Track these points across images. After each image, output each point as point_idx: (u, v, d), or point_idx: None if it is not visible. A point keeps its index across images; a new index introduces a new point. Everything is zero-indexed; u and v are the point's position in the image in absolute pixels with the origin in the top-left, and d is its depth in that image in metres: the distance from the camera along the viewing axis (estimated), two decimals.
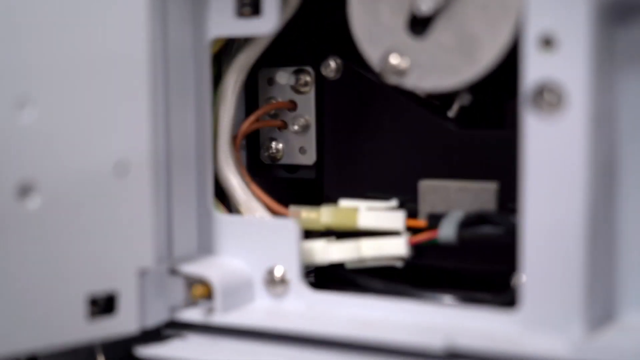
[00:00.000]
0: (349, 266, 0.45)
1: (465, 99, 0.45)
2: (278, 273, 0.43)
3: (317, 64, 0.48)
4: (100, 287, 0.39)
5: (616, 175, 0.38)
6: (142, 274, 0.40)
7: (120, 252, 0.39)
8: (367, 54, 0.42)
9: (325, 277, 0.47)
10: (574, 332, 0.35)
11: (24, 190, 0.36)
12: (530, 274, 0.36)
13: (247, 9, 0.43)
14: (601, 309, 0.37)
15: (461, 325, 0.38)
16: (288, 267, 0.43)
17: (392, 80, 0.41)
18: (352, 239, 0.44)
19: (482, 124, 0.45)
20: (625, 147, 0.37)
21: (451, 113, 0.45)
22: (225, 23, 0.44)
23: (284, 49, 0.49)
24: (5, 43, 0.36)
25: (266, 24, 0.43)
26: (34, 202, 0.37)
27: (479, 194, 0.43)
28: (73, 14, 0.38)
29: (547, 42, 0.35)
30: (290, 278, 0.43)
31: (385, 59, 0.41)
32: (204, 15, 0.44)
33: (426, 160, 0.47)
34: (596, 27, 0.35)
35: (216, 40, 0.45)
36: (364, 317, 0.41)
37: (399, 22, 0.41)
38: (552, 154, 0.36)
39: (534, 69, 0.36)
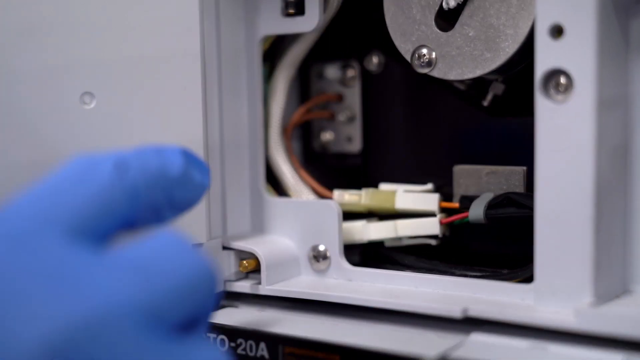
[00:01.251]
0: (387, 244, 0.49)
1: (498, 89, 0.48)
2: (321, 250, 0.47)
3: (361, 58, 0.52)
4: None
5: (631, 156, 0.40)
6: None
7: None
8: (400, 46, 0.45)
9: (370, 255, 0.50)
10: (583, 302, 0.38)
11: None
12: (542, 248, 0.39)
13: (292, 9, 0.47)
14: (613, 281, 0.39)
15: (480, 296, 0.42)
16: (330, 245, 0.47)
17: (421, 70, 0.44)
18: (392, 219, 0.48)
19: (514, 113, 0.48)
20: (638, 129, 0.40)
21: (485, 102, 0.48)
22: (273, 22, 0.48)
23: (331, 45, 0.53)
24: (72, 44, 0.41)
25: (309, 22, 0.47)
26: None
27: (508, 178, 0.46)
28: (130, 15, 0.43)
29: (557, 32, 0.38)
30: (332, 255, 0.47)
31: (415, 51, 0.45)
32: (254, 15, 0.49)
33: (462, 147, 0.50)
34: (602, 17, 0.37)
35: (266, 38, 0.49)
36: (395, 289, 0.44)
37: (428, 17, 0.44)
38: (562, 136, 0.38)
39: (545, 57, 0.38)
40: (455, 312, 0.40)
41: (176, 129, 0.44)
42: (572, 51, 0.38)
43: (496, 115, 0.48)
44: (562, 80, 0.38)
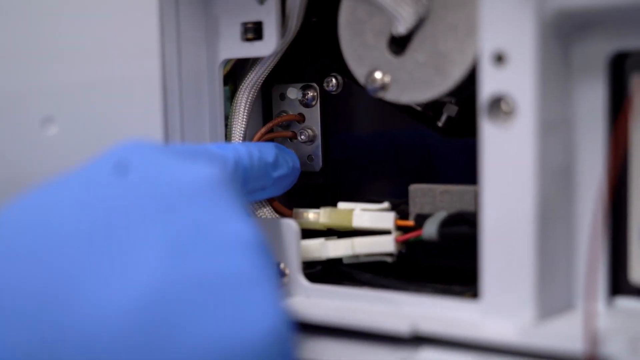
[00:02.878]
0: (346, 261, 0.50)
1: (452, 111, 0.49)
2: (280, 267, 0.49)
3: (321, 80, 0.53)
4: None
5: (574, 176, 0.41)
6: None
7: None
8: (354, 71, 0.47)
9: (329, 271, 0.52)
10: (526, 318, 0.39)
11: None
12: (487, 265, 0.41)
13: (251, 34, 0.49)
14: (557, 297, 0.41)
15: (432, 312, 0.43)
16: (289, 262, 0.48)
17: (376, 94, 0.46)
18: (350, 237, 0.49)
19: (467, 133, 0.49)
20: (583, 151, 0.41)
21: (440, 123, 0.50)
22: (233, 46, 0.50)
23: (292, 68, 0.54)
24: (31, 70, 0.42)
25: (267, 47, 0.49)
26: None
27: (461, 197, 0.48)
28: (91, 39, 0.44)
29: (499, 58, 0.40)
30: (291, 272, 0.48)
31: (370, 75, 0.46)
32: (215, 40, 0.50)
33: (417, 166, 0.51)
34: (543, 43, 0.39)
35: (227, 61, 0.51)
36: (350, 306, 0.45)
37: (381, 43, 0.46)
38: (505, 158, 0.40)
39: (489, 82, 0.40)
40: (404, 329, 0.41)
41: None
42: (514, 77, 0.39)
43: (450, 136, 0.50)
44: (505, 105, 0.40)
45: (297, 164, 0.52)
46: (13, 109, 0.43)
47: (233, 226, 0.35)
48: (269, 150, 0.49)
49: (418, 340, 0.41)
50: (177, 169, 0.37)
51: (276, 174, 0.49)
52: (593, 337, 0.36)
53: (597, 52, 0.40)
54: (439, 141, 0.50)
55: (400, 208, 0.50)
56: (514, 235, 0.40)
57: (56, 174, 0.40)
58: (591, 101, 0.41)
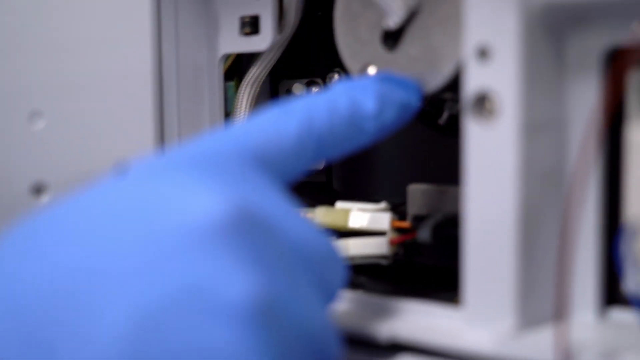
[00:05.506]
0: None
1: (453, 109, 0.47)
2: None
3: (324, 76, 0.52)
4: None
5: (566, 180, 0.39)
6: None
7: None
8: (349, 66, 0.45)
9: None
10: (506, 328, 0.37)
11: (37, 189, 0.43)
12: (469, 271, 0.39)
13: (248, 28, 0.48)
14: (542, 307, 0.38)
15: (414, 319, 0.41)
16: None
17: None
18: (345, 238, 0.48)
19: None
20: (575, 153, 0.39)
21: (441, 121, 0.48)
22: (232, 41, 0.49)
23: (299, 63, 0.53)
24: (20, 63, 0.43)
25: (264, 41, 0.48)
26: (45, 199, 0.43)
27: (458, 197, 0.46)
28: (83, 33, 0.44)
29: (483, 54, 0.38)
30: None
31: (364, 70, 0.45)
32: (214, 34, 0.50)
33: (418, 166, 0.49)
34: (529, 39, 0.37)
35: (227, 56, 0.50)
36: (336, 308, 0.44)
37: (375, 37, 0.44)
38: (489, 160, 0.38)
39: (473, 79, 0.38)
40: (382, 336, 0.40)
41: (122, 145, 0.45)
42: (498, 73, 0.37)
43: (452, 135, 0.48)
44: (489, 103, 0.38)
45: (412, 95, 0.40)
46: (0, 103, 0.43)
47: (231, 289, 0.28)
48: (366, 94, 0.38)
49: (395, 347, 0.40)
50: (173, 204, 0.29)
51: (378, 123, 0.38)
52: (565, 351, 0.34)
53: (591, 48, 0.38)
54: (442, 140, 0.48)
55: (400, 209, 0.49)
56: (496, 240, 0.38)
57: (44, 169, 0.40)
58: (585, 99, 0.39)
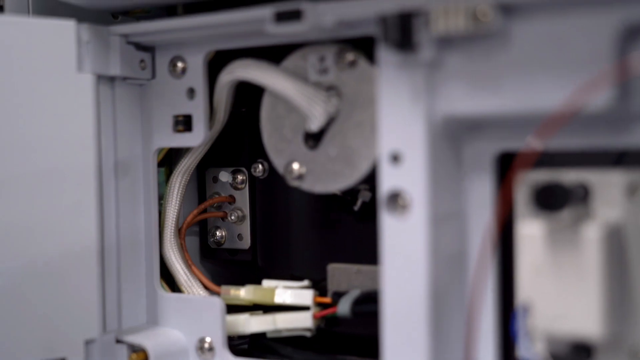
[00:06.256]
0: (269, 335, 0.54)
1: (366, 196, 0.54)
2: (207, 342, 0.52)
3: (249, 166, 0.58)
4: (53, 355, 0.48)
5: (467, 262, 0.46)
6: (89, 343, 0.50)
7: (69, 325, 0.49)
8: (274, 161, 0.51)
9: (255, 345, 0.56)
10: None
11: None
12: (388, 344, 0.45)
13: (181, 126, 0.53)
14: None
15: None
16: (214, 337, 0.52)
17: (293, 183, 0.50)
18: (272, 313, 0.53)
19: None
20: (474, 240, 0.46)
21: (356, 207, 0.54)
22: (166, 137, 0.54)
23: (224, 153, 0.59)
24: None
25: (196, 138, 0.53)
26: None
27: (373, 276, 0.52)
28: (29, 132, 0.48)
29: (395, 158, 0.44)
30: (216, 346, 0.52)
31: (287, 166, 0.51)
32: (149, 131, 0.54)
33: (336, 247, 0.55)
34: (434, 145, 0.44)
35: (160, 149, 0.55)
36: None
37: (298, 137, 0.50)
38: (402, 247, 0.44)
39: (387, 179, 0.45)
40: None
41: (71, 234, 0.49)
42: (408, 175, 0.44)
43: (365, 220, 0.54)
44: (401, 199, 0.44)
45: None
46: None
47: None
48: None
49: None
50: None
51: None
52: None
53: (485, 151, 0.45)
54: (356, 223, 0.55)
55: (322, 284, 0.54)
56: (409, 316, 0.44)
57: None
58: (481, 194, 0.46)
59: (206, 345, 0.52)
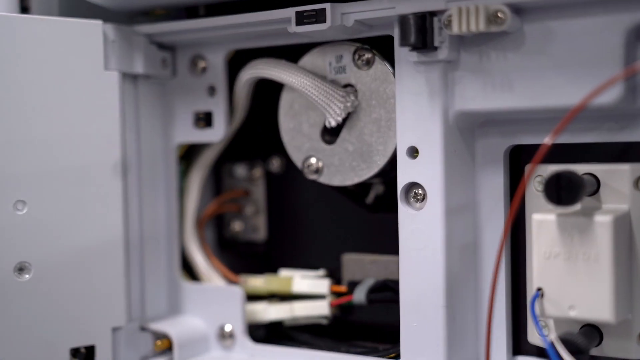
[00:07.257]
0: (286, 323, 0.56)
1: (379, 190, 0.56)
2: (227, 329, 0.55)
3: (264, 161, 0.60)
4: (82, 342, 0.50)
5: (480, 251, 0.48)
6: (116, 330, 0.52)
7: (97, 314, 0.51)
8: (292, 156, 0.53)
9: (273, 332, 0.58)
10: None
11: (20, 268, 0.48)
12: (405, 329, 0.47)
13: (202, 122, 0.55)
14: (465, 356, 0.47)
15: None
16: (235, 325, 0.55)
17: (311, 177, 0.53)
18: (289, 302, 0.56)
19: (392, 209, 0.56)
20: (486, 230, 0.48)
21: (369, 200, 0.56)
22: (186, 133, 0.56)
23: (240, 149, 0.61)
24: (5, 157, 0.48)
25: (216, 134, 0.55)
26: (27, 277, 0.49)
27: (387, 266, 0.54)
28: (58, 130, 0.50)
29: (412, 153, 0.47)
30: (237, 334, 0.54)
31: (306, 160, 0.53)
32: (170, 127, 0.57)
33: (349, 238, 0.57)
34: (449, 141, 0.46)
35: (181, 145, 0.57)
36: None
37: (316, 132, 0.52)
38: (419, 238, 0.46)
39: (404, 173, 0.47)
40: None
41: (99, 228, 0.51)
42: (425, 168, 0.46)
43: (378, 212, 0.56)
44: (418, 192, 0.47)
45: None
46: None
47: None
48: None
49: None
50: None
51: None
52: None
53: (497, 146, 0.47)
54: (368, 215, 0.57)
55: (336, 274, 0.57)
56: (427, 303, 0.46)
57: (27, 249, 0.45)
58: (492, 187, 0.48)
59: (227, 333, 0.55)
